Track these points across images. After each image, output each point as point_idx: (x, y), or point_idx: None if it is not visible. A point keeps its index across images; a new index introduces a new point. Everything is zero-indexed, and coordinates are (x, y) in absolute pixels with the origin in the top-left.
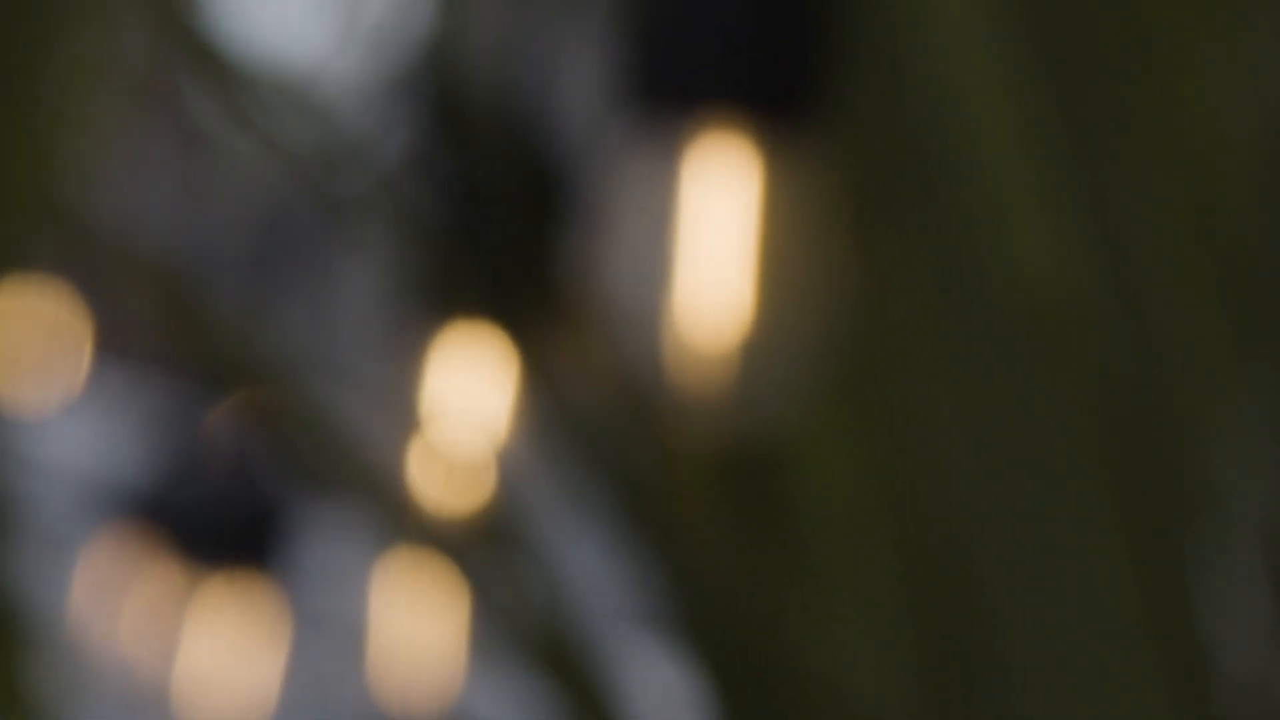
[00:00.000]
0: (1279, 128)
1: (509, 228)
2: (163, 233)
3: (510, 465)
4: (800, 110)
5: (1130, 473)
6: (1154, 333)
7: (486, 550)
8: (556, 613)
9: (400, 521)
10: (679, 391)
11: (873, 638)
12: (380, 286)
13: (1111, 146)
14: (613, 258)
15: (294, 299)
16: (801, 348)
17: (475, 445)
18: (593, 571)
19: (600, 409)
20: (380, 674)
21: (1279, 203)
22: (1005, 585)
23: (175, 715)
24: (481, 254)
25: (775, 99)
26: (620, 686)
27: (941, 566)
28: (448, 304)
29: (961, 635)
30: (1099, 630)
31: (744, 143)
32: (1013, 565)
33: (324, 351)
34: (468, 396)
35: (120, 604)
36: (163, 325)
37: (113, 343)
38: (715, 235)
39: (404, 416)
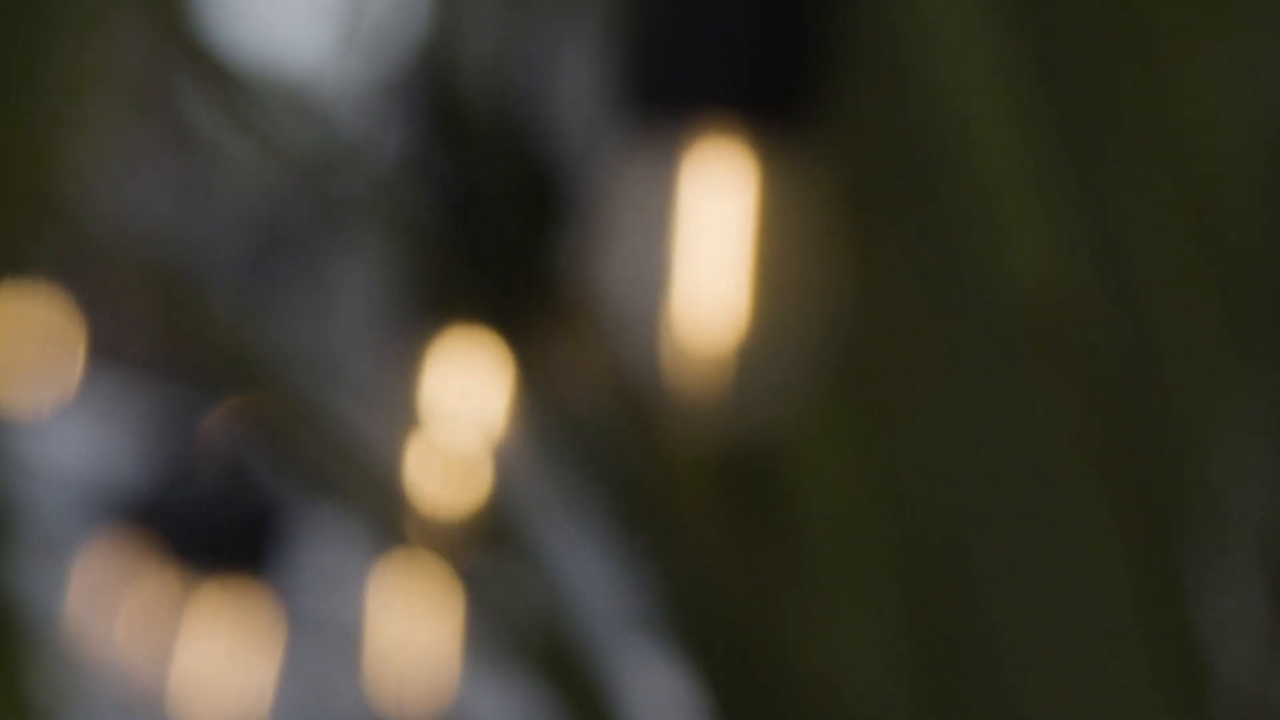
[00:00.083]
0: (1275, 130)
1: (506, 231)
2: (159, 235)
3: (507, 468)
4: (797, 114)
5: (1127, 475)
6: (1151, 335)
7: (483, 554)
8: (553, 616)
9: (396, 525)
10: (676, 395)
11: (870, 640)
12: (378, 289)
13: (1109, 148)
14: (609, 261)
15: (291, 302)
16: (798, 351)
17: (472, 448)
18: (590, 574)
19: (597, 412)
20: (376, 678)
21: (1277, 204)
22: (1002, 588)
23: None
24: (478, 257)
25: (772, 103)
26: (617, 689)
27: (939, 569)
28: (445, 307)
29: (959, 637)
30: (1096, 632)
31: (741, 146)
32: (1010, 567)
33: (320, 354)
34: (465, 399)
35: (116, 608)
36: (159, 328)
37: (108, 346)
38: (712, 239)
39: (401, 419)
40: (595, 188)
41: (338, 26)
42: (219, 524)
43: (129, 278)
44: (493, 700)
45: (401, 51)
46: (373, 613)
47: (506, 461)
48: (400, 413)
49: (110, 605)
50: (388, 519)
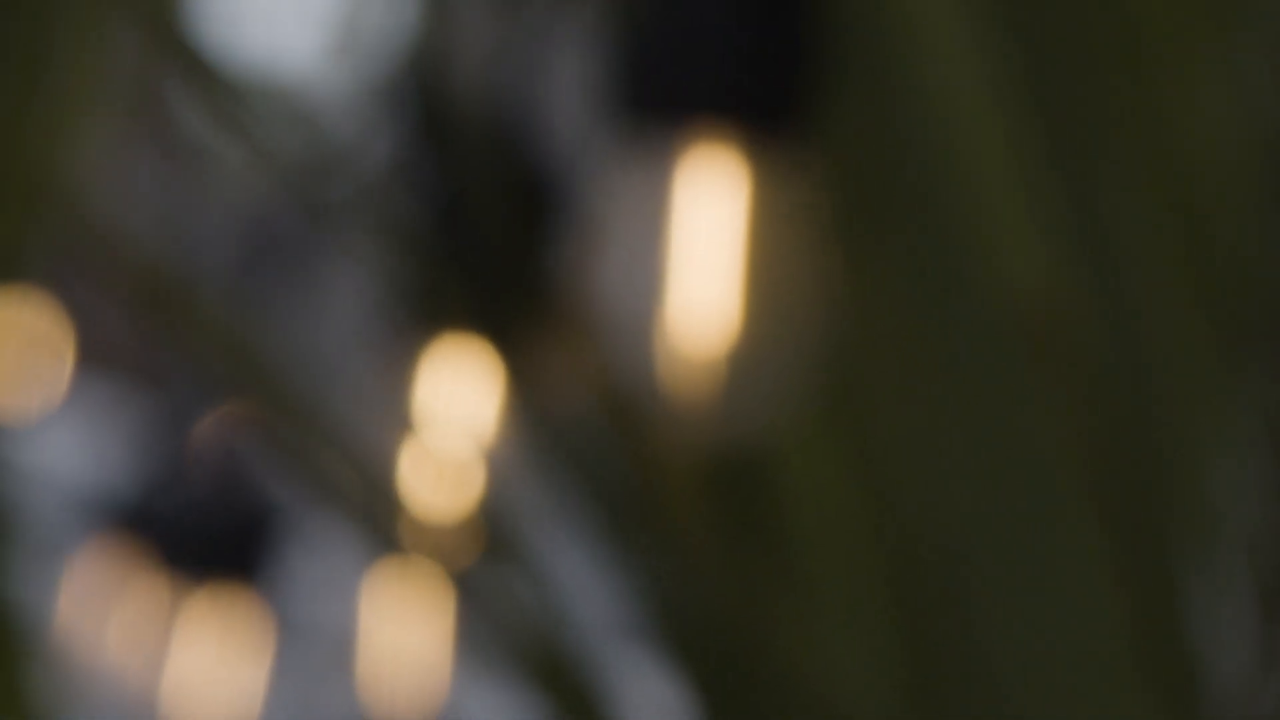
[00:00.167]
0: (1267, 137)
1: (497, 237)
2: (150, 240)
3: (499, 474)
4: (789, 122)
5: (1120, 482)
6: (1143, 343)
7: (475, 560)
8: (545, 622)
9: (389, 531)
10: (667, 401)
11: (862, 647)
12: (369, 296)
13: (1101, 155)
14: (601, 268)
15: (282, 308)
16: (790, 357)
17: (464, 453)
18: (582, 580)
19: (589, 418)
20: (368, 683)
21: (1268, 212)
22: (994, 595)
23: None
24: (470, 263)
25: (764, 110)
26: (609, 695)
27: (930, 576)
28: (437, 312)
29: (950, 645)
30: (1087, 641)
31: (733, 153)
32: (1001, 574)
33: (312, 360)
34: (457, 405)
35: (107, 615)
36: (149, 333)
37: (99, 351)
38: (704, 246)
39: (393, 425)
40: (587, 194)
41: (330, 32)
42: (210, 529)
43: (120, 282)
44: (485, 706)
45: (393, 57)
46: (365, 618)
47: (498, 467)
48: (392, 418)
49: (102, 611)
50: (380, 525)
